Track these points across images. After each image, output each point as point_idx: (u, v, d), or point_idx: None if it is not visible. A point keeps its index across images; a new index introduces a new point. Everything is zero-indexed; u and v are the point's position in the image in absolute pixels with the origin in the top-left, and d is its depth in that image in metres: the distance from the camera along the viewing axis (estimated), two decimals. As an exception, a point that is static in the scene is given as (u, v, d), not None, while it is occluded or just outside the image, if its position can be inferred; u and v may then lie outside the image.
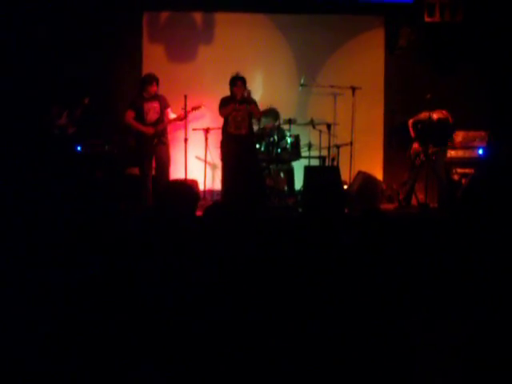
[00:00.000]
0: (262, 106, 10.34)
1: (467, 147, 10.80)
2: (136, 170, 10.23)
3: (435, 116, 10.13)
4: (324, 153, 10.63)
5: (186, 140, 10.11)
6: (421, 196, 10.24)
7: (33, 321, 3.76)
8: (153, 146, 9.93)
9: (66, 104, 10.23)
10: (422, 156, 10.17)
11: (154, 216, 5.32)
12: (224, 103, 9.91)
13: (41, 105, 10.32)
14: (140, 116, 9.94)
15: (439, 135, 10.20)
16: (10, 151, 9.86)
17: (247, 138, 9.96)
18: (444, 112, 10.20)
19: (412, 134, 10.39)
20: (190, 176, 10.34)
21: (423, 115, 10.28)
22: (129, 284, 4.08)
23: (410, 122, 10.44)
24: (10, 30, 10.60)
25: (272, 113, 10.77)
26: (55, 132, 10.12)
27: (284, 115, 10.74)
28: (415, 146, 10.28)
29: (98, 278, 4.22)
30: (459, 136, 10.74)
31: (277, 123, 10.60)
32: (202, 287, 3.85)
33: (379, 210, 9.37)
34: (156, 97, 10.02)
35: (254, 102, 10.03)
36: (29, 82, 10.54)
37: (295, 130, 10.62)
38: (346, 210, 9.41)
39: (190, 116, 10.26)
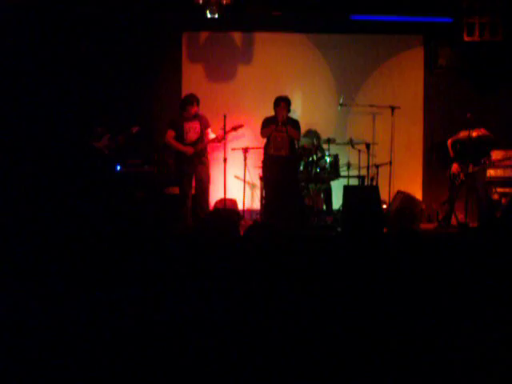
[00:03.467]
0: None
1: (507, 166, 10.69)
2: (175, 190, 10.25)
3: (474, 134, 10.05)
4: (363, 172, 10.59)
5: (225, 160, 10.00)
6: (461, 216, 10.17)
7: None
8: (192, 166, 9.96)
9: (110, 126, 10.32)
10: (461, 176, 10.09)
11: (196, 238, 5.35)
12: (265, 124, 9.96)
13: (83, 125, 10.43)
14: (180, 136, 9.99)
15: (479, 153, 10.11)
16: (50, 168, 9.99)
17: (287, 160, 9.94)
18: (482, 130, 10.12)
19: (451, 153, 10.33)
20: (229, 195, 10.36)
21: (462, 134, 10.20)
22: (171, 303, 4.11)
23: (449, 141, 10.37)
24: (56, 53, 10.76)
25: (312, 133, 10.79)
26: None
27: (323, 135, 10.77)
28: (455, 165, 10.20)
29: (140, 297, 4.26)
30: (499, 155, 10.64)
31: (315, 143, 10.61)
32: (244, 306, 3.87)
33: (414, 229, 9.34)
34: (196, 117, 10.06)
35: (294, 124, 10.03)
36: (73, 103, 10.70)
37: (334, 149, 10.61)
38: (384, 230, 9.38)
39: (230, 136, 10.29)
